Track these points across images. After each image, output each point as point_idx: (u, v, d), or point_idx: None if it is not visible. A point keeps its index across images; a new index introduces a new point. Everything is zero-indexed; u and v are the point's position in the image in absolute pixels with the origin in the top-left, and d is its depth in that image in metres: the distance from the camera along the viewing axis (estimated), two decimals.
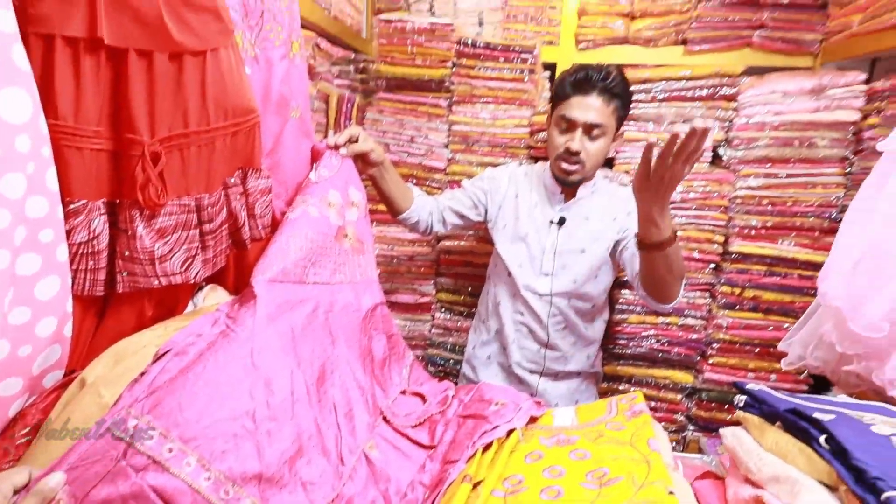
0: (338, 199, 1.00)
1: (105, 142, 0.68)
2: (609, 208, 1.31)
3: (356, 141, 1.07)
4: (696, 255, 1.57)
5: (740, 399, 0.78)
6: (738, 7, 1.73)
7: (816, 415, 0.63)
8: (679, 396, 1.62)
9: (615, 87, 1.19)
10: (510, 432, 0.75)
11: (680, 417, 1.63)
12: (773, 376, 1.58)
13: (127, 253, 0.71)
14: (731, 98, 1.51)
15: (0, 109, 0.54)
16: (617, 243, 1.28)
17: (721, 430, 0.77)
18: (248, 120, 0.83)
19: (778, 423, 0.69)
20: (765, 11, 1.73)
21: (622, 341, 1.62)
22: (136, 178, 0.69)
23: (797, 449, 0.63)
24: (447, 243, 1.72)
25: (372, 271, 1.05)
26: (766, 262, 1.53)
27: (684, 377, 1.61)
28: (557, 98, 1.24)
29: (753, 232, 1.53)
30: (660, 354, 1.61)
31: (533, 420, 0.82)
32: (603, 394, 1.54)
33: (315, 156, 1.03)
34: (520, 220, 1.34)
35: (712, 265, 1.58)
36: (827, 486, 0.59)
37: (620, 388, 1.67)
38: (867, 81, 1.54)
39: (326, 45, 1.57)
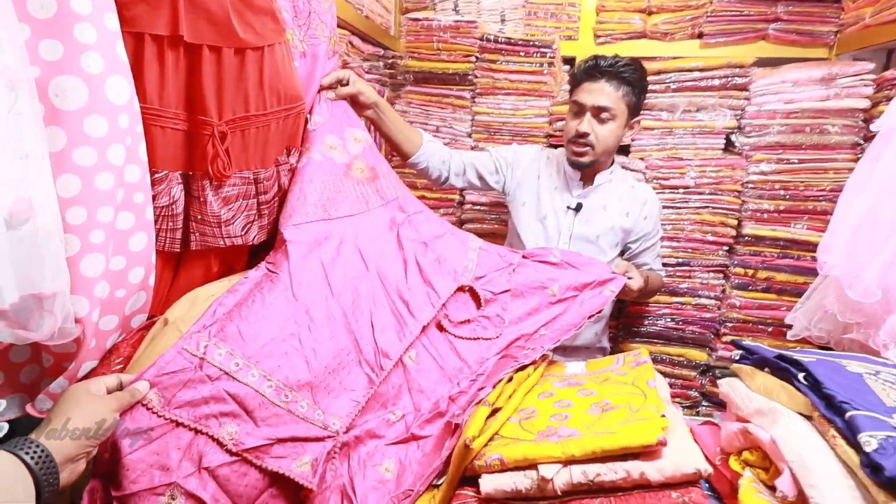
0: (336, 141, 1.04)
1: (182, 123, 0.81)
2: (625, 202, 1.36)
3: (347, 84, 1.10)
4: (710, 237, 1.62)
5: (736, 353, 0.86)
6: (753, 1, 1.78)
7: (798, 356, 0.71)
8: (693, 373, 1.68)
9: (624, 73, 1.24)
10: (528, 366, 0.86)
11: (694, 393, 1.68)
12: None
13: (199, 216, 0.83)
14: (743, 87, 1.56)
15: (108, 93, 0.67)
16: (625, 243, 1.37)
17: (718, 381, 0.85)
18: (297, 106, 0.95)
19: (767, 369, 0.77)
20: (779, 5, 1.78)
21: (638, 319, 1.69)
22: (206, 153, 0.81)
23: (780, 386, 0.71)
24: (470, 227, 1.82)
25: (392, 191, 1.08)
26: (779, 245, 1.58)
27: (698, 355, 1.67)
28: (572, 86, 1.33)
29: (766, 215, 1.58)
30: (674, 333, 1.67)
31: (549, 365, 0.91)
32: None
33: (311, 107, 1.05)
34: (541, 202, 1.40)
35: (726, 248, 1.64)
36: (803, 415, 0.67)
37: None
38: (885, 69, 1.57)
39: (358, 42, 1.70)
